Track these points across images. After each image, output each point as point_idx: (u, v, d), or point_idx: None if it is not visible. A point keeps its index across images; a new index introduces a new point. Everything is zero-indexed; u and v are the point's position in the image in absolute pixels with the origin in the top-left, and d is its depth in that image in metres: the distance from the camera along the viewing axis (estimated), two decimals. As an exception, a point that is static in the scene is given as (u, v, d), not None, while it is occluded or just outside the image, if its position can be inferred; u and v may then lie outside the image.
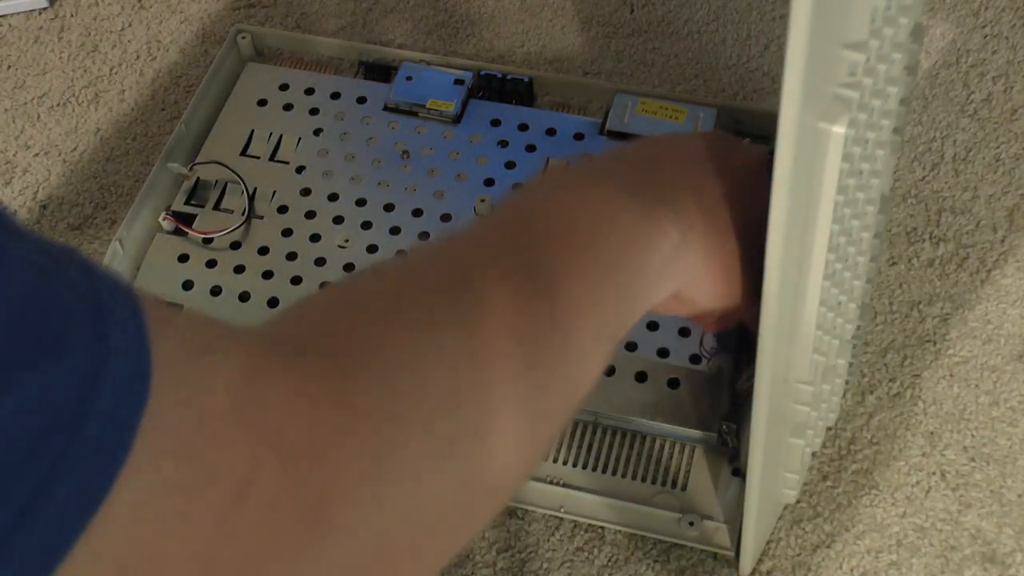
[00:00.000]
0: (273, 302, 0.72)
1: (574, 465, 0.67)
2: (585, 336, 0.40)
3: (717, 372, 0.64)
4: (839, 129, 0.39)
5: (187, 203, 0.77)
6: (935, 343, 0.73)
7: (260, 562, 0.30)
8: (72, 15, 0.94)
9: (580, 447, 0.68)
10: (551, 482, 0.66)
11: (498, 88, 0.82)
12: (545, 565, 0.66)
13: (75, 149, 0.86)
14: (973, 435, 0.69)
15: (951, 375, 0.71)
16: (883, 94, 0.41)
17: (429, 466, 0.34)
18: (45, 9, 0.94)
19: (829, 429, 0.69)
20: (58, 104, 0.89)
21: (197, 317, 0.32)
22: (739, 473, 0.66)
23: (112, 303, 0.27)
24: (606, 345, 0.42)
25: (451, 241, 0.41)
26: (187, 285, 0.73)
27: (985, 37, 0.87)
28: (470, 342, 0.36)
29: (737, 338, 0.59)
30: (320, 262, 0.74)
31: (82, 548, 0.26)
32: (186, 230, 0.75)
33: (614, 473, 0.67)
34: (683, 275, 0.45)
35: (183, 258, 0.75)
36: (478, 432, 0.35)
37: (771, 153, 0.39)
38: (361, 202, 0.77)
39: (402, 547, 0.34)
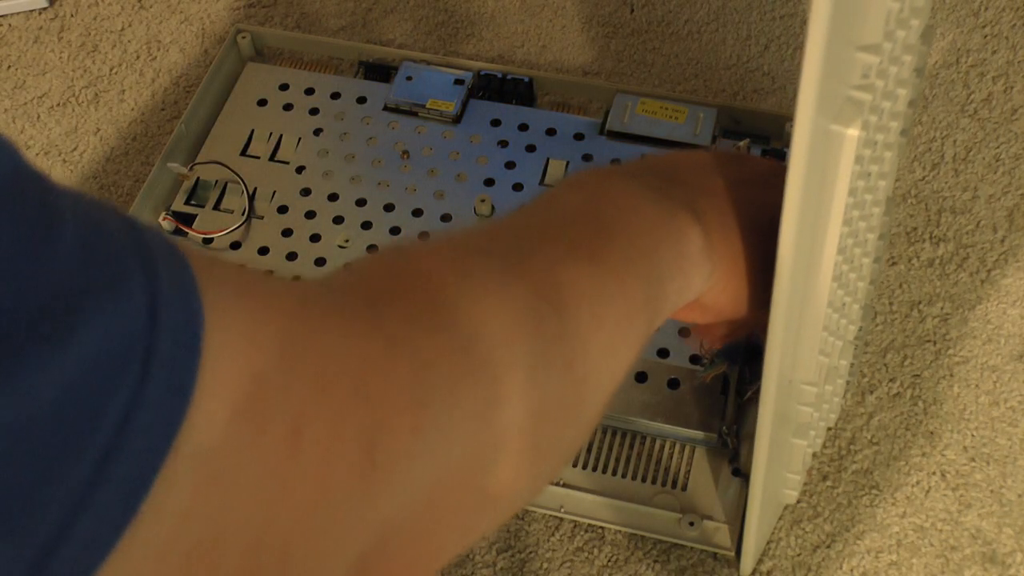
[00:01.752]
0: (273, 302, 0.72)
1: (574, 465, 0.67)
2: (615, 329, 0.40)
3: (714, 381, 0.65)
4: (853, 132, 0.38)
5: (187, 203, 0.77)
6: (935, 343, 0.73)
7: (319, 507, 0.30)
8: (72, 15, 0.94)
9: (581, 449, 0.68)
10: (551, 482, 0.66)
11: (498, 88, 0.82)
12: (545, 565, 0.66)
13: (75, 149, 0.86)
14: (973, 435, 0.69)
15: (951, 375, 0.71)
16: (893, 96, 0.41)
17: (464, 421, 0.34)
18: (45, 9, 0.94)
19: (829, 429, 0.69)
20: (58, 104, 0.89)
21: (242, 266, 0.32)
22: (739, 473, 0.66)
23: (159, 250, 0.27)
24: (635, 342, 0.41)
25: (487, 225, 0.42)
26: (187, 285, 0.73)
27: (985, 37, 0.87)
28: (521, 304, 0.37)
29: (744, 349, 0.59)
30: (320, 262, 0.74)
31: (149, 502, 0.25)
32: (186, 230, 0.75)
33: (614, 473, 0.67)
34: (705, 280, 0.45)
35: (183, 258, 0.75)
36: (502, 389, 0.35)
37: (785, 163, 0.39)
38: (361, 202, 0.77)
39: (451, 490, 0.34)
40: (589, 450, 0.67)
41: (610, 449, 0.67)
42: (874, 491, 0.67)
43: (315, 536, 0.30)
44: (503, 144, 0.79)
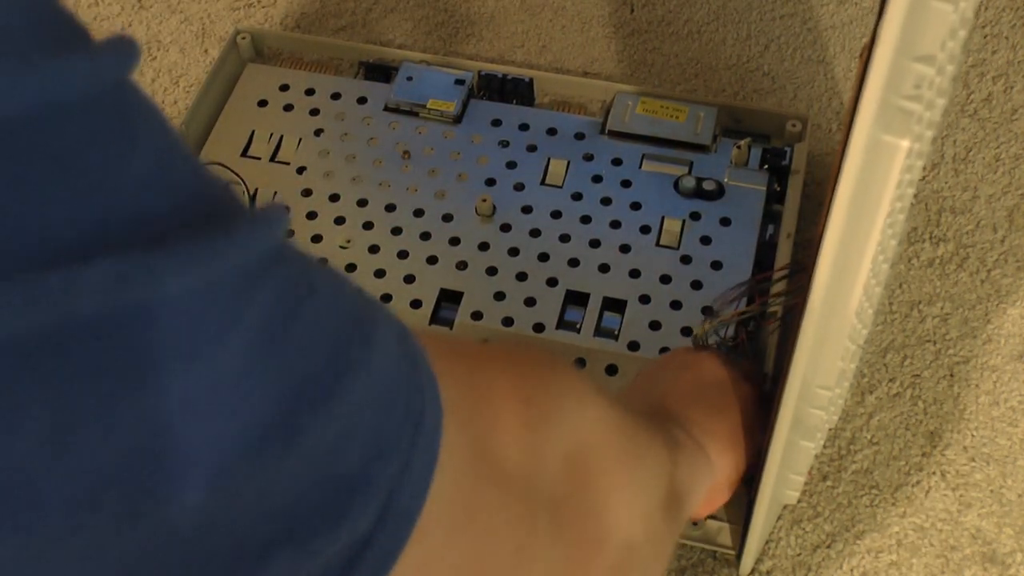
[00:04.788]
0: (274, 303, 0.72)
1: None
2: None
3: None
4: (904, 142, 0.38)
5: (188, 204, 0.77)
6: (935, 343, 0.73)
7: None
8: (72, 15, 0.94)
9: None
10: None
11: (499, 88, 0.82)
12: (546, 565, 0.66)
13: (76, 149, 0.86)
14: (973, 435, 0.69)
15: (951, 375, 0.72)
16: (933, 105, 0.41)
17: None
18: (45, 9, 0.94)
19: (830, 429, 0.69)
20: (58, 104, 0.88)
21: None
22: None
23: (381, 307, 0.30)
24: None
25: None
26: (188, 286, 0.73)
27: (985, 37, 0.87)
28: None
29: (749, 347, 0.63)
30: (321, 263, 0.74)
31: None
32: (187, 231, 0.75)
33: (615, 473, 0.67)
34: (711, 476, 0.56)
35: (184, 259, 0.75)
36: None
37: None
38: (362, 202, 0.77)
39: None
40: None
41: (611, 449, 0.67)
42: (874, 491, 0.67)
43: None
44: (504, 144, 0.79)
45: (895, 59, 0.35)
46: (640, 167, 0.78)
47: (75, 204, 0.22)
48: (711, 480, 0.55)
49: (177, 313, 0.23)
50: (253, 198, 0.77)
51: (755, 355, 0.66)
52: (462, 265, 0.73)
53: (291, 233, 0.75)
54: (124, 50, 0.23)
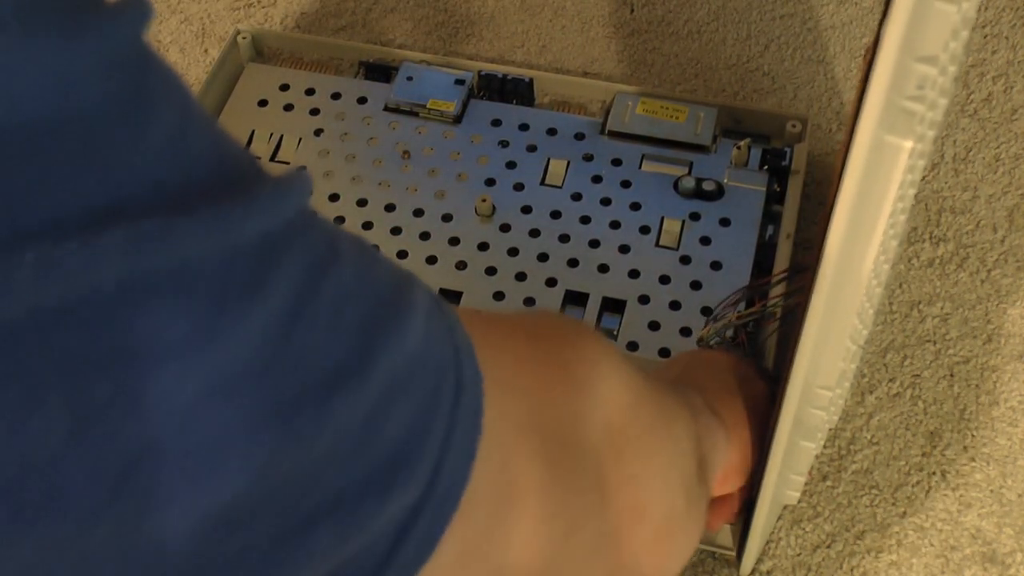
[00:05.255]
0: (274, 303, 0.72)
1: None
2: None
3: None
4: (908, 143, 0.38)
5: (188, 203, 0.77)
6: (935, 343, 0.73)
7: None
8: (72, 15, 0.94)
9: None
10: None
11: (499, 88, 0.82)
12: (546, 565, 0.66)
13: (76, 149, 0.86)
14: (973, 435, 0.69)
15: (951, 375, 0.72)
16: (935, 105, 0.41)
17: None
18: (45, 9, 0.94)
19: (830, 429, 0.69)
20: (58, 104, 0.88)
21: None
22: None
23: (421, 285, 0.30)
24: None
25: None
26: (188, 286, 0.73)
27: (985, 37, 0.87)
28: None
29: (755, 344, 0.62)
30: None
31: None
32: (187, 231, 0.75)
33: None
34: (725, 450, 0.54)
35: (184, 259, 0.75)
36: None
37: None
38: (362, 202, 0.77)
39: None
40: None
41: (611, 449, 0.67)
42: (874, 491, 0.67)
43: None
44: (504, 144, 0.79)
45: (899, 59, 0.35)
46: (640, 167, 0.78)
47: (89, 178, 0.21)
48: (727, 455, 0.54)
49: (200, 280, 0.22)
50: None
51: (756, 355, 0.66)
52: (461, 265, 0.73)
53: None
54: (137, 8, 0.22)
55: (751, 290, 0.68)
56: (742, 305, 0.67)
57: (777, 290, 0.65)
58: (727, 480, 0.56)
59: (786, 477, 0.58)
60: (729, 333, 0.66)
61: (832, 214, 0.40)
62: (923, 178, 0.80)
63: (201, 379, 0.22)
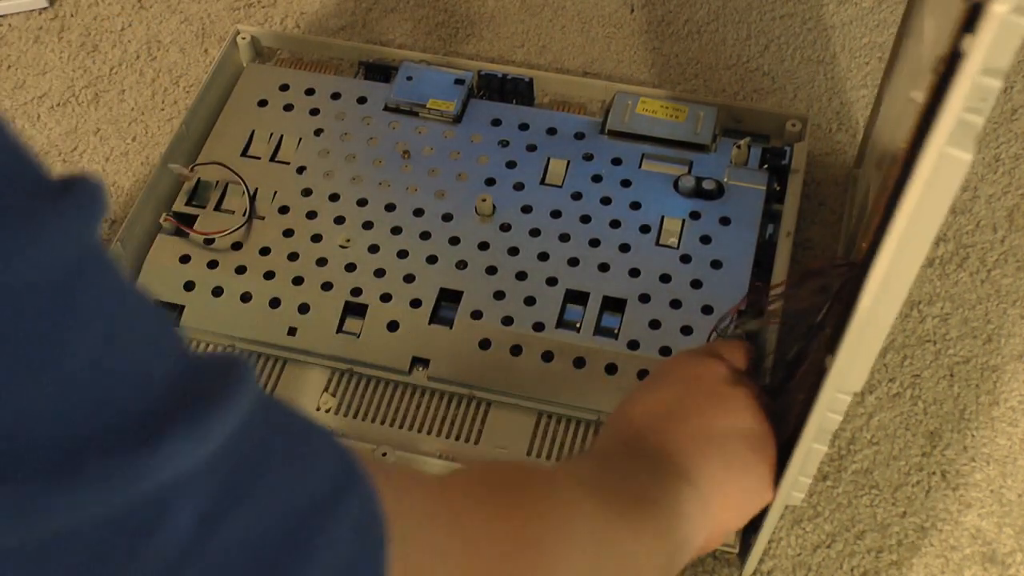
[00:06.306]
0: (275, 303, 0.72)
1: (575, 465, 0.67)
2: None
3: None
4: (967, 156, 0.38)
5: (188, 204, 0.77)
6: (935, 343, 0.73)
7: None
8: (72, 15, 0.94)
9: (583, 447, 0.68)
10: None
11: (498, 88, 0.82)
12: (546, 565, 0.66)
13: (75, 149, 0.86)
14: (973, 435, 0.69)
15: (951, 375, 0.72)
16: (984, 115, 0.42)
17: None
18: (45, 9, 0.94)
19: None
20: (58, 104, 0.89)
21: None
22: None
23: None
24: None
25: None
26: (188, 286, 0.73)
27: (985, 37, 0.87)
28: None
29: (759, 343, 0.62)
30: (321, 262, 0.74)
31: None
32: (187, 231, 0.75)
33: (615, 473, 0.67)
34: (703, 520, 0.54)
35: (184, 259, 0.75)
36: None
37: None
38: (362, 202, 0.77)
39: None
40: (590, 450, 0.67)
41: (611, 449, 0.67)
42: (874, 491, 0.67)
43: None
44: (504, 144, 0.79)
45: (975, 73, 0.36)
46: (640, 167, 0.78)
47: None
48: (704, 525, 0.53)
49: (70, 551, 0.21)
50: (253, 198, 0.77)
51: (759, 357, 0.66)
52: (462, 264, 0.73)
53: (290, 233, 0.75)
54: (86, 204, 0.21)
55: (752, 293, 0.68)
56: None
57: (777, 290, 0.65)
58: (711, 543, 0.57)
59: (795, 479, 0.58)
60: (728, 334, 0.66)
61: (886, 227, 0.40)
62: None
63: None
